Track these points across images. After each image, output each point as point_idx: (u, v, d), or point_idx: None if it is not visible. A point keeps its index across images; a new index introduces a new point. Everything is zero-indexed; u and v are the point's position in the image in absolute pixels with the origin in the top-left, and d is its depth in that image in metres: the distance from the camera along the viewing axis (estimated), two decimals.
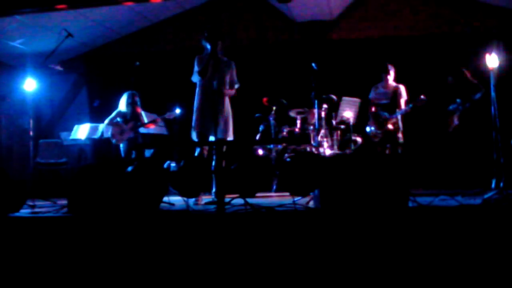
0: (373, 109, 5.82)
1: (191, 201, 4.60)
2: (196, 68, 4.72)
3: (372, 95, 5.90)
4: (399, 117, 5.73)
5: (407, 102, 5.82)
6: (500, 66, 4.17)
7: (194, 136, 4.78)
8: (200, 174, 4.45)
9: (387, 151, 5.68)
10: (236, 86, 4.82)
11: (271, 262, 2.94)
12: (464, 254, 2.81)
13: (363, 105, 6.05)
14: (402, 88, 5.83)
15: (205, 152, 4.73)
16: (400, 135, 5.74)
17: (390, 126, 5.72)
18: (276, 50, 7.85)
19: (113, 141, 5.86)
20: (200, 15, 8.09)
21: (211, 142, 4.71)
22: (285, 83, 7.29)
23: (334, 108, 6.07)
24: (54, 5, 5.71)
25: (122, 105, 5.88)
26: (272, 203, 4.05)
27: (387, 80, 5.81)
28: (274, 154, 6.13)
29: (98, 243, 3.16)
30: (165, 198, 4.08)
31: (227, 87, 4.74)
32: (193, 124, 4.77)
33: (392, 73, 5.81)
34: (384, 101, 5.77)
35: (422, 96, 5.43)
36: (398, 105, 5.75)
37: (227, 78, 4.73)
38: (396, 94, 5.79)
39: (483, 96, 5.07)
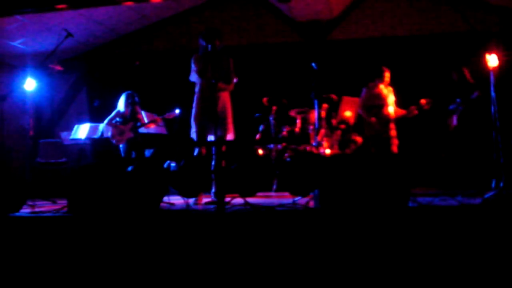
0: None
1: (191, 201, 4.60)
2: (194, 68, 4.72)
3: (365, 96, 5.90)
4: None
5: (401, 103, 5.87)
6: (500, 66, 4.17)
7: (192, 134, 4.78)
8: (200, 174, 4.45)
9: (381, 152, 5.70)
10: (234, 81, 4.82)
11: (271, 262, 2.94)
12: (464, 254, 2.81)
13: None
14: (390, 90, 5.88)
15: (203, 151, 4.73)
16: (395, 135, 5.79)
17: (391, 126, 5.75)
18: (276, 50, 7.84)
19: (113, 141, 5.86)
20: (200, 15, 8.09)
21: (211, 142, 4.71)
22: (285, 83, 7.28)
23: (334, 108, 6.07)
24: (54, 5, 5.71)
25: (121, 105, 5.87)
26: (272, 203, 4.06)
27: (382, 82, 5.83)
28: (274, 154, 6.12)
29: (98, 243, 3.15)
30: (165, 198, 4.08)
31: (226, 83, 4.73)
32: (192, 123, 4.77)
33: (388, 77, 5.83)
34: (378, 102, 5.78)
35: (425, 100, 5.49)
36: (391, 106, 5.81)
37: (225, 74, 4.73)
38: (388, 95, 5.82)
39: (480, 96, 5.08)
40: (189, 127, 4.83)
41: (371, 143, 5.85)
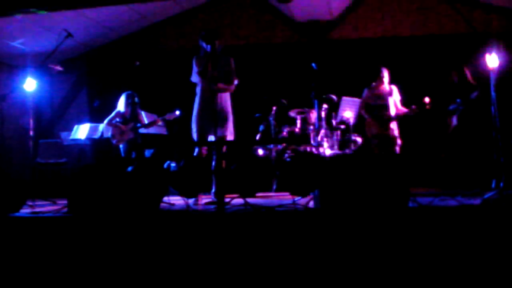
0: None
1: (191, 201, 4.60)
2: (195, 69, 4.72)
3: (366, 96, 5.91)
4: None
5: (402, 102, 5.87)
6: (500, 66, 4.17)
7: (193, 135, 4.79)
8: (200, 174, 4.45)
9: (384, 152, 5.70)
10: (235, 82, 4.82)
11: (271, 262, 2.94)
12: (464, 254, 2.81)
13: None
14: (395, 89, 5.88)
15: (204, 152, 4.73)
16: (398, 135, 5.79)
17: (392, 126, 5.75)
18: (276, 50, 7.85)
19: (113, 141, 5.86)
20: (200, 15, 8.09)
21: (211, 142, 4.71)
22: (285, 83, 7.28)
23: (334, 108, 6.07)
24: (54, 5, 5.71)
25: (121, 105, 5.87)
26: (272, 203, 4.06)
27: (382, 82, 5.83)
28: (274, 154, 6.12)
29: (98, 243, 3.15)
30: (165, 198, 4.08)
31: (226, 83, 4.74)
32: (192, 123, 4.78)
33: (386, 76, 5.83)
34: (379, 103, 5.78)
35: (426, 99, 5.49)
36: (393, 106, 5.81)
37: (226, 75, 4.73)
38: (390, 95, 5.82)
39: (480, 96, 5.08)
40: (190, 127, 4.83)
41: (371, 143, 5.85)
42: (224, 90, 4.71)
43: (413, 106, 5.67)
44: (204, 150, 4.75)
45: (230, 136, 4.77)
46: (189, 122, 4.83)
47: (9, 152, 7.75)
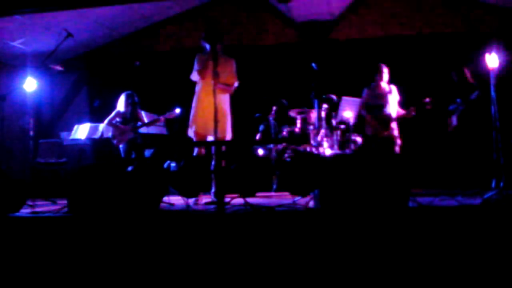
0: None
1: (191, 201, 4.60)
2: (196, 67, 4.72)
3: (366, 95, 5.90)
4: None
5: (402, 102, 5.86)
6: (500, 66, 4.17)
7: (190, 133, 4.78)
8: (200, 174, 4.45)
9: (384, 152, 5.69)
10: (235, 84, 4.81)
11: (271, 262, 2.94)
12: (464, 254, 2.81)
13: None
14: (394, 89, 5.87)
15: (202, 151, 4.73)
16: (398, 135, 5.78)
17: (392, 126, 5.74)
18: (276, 50, 7.85)
19: (114, 141, 5.86)
20: (200, 15, 8.10)
21: (210, 142, 4.71)
22: (285, 83, 7.29)
23: (334, 108, 6.07)
24: (54, 5, 5.71)
25: (121, 105, 5.87)
26: (272, 203, 4.06)
27: (381, 81, 5.82)
28: (274, 154, 6.12)
29: (98, 243, 3.16)
30: (165, 198, 4.08)
31: (226, 85, 4.73)
32: (190, 122, 4.77)
33: (386, 74, 5.82)
34: (379, 102, 5.78)
35: (427, 99, 5.49)
36: (392, 106, 5.81)
37: (226, 76, 4.73)
38: (390, 94, 5.82)
39: (480, 96, 5.08)
40: (189, 126, 4.83)
41: (371, 143, 5.85)
42: (223, 91, 4.71)
43: (411, 108, 5.67)
44: (202, 149, 4.76)
45: (228, 137, 4.77)
46: (189, 121, 4.84)
47: (9, 152, 7.75)
